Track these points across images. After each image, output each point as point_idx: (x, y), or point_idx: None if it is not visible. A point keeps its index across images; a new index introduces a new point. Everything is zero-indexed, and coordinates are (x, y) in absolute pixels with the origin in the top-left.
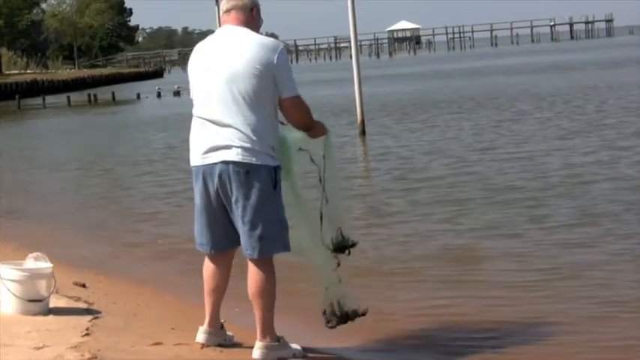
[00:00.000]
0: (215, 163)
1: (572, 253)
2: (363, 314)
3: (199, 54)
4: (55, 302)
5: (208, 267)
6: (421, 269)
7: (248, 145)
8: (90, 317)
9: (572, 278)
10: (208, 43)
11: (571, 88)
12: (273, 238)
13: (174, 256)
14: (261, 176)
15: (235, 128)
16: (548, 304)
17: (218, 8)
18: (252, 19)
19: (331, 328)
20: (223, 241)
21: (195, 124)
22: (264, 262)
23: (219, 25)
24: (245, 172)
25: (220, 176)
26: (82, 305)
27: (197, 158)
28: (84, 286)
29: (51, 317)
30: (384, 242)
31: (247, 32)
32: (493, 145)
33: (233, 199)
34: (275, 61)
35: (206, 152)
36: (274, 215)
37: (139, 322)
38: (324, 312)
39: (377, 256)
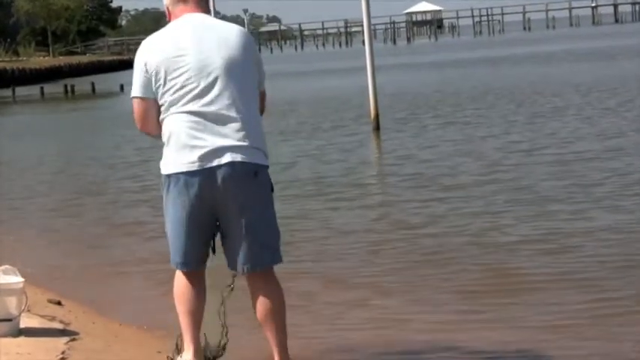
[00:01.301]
0: (219, 166)
1: None
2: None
3: (169, 46)
4: (26, 322)
5: (188, 287)
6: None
7: (254, 143)
8: (66, 339)
9: None
10: (180, 35)
11: (616, 78)
12: (277, 247)
13: (160, 270)
14: (265, 178)
15: (240, 124)
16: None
17: None
18: (208, 7)
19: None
20: (205, 257)
21: (180, 122)
22: (273, 273)
23: (215, 9)
24: (254, 173)
25: (224, 180)
26: (57, 325)
27: (188, 163)
28: (59, 303)
29: (21, 339)
30: (403, 262)
31: (221, 21)
32: (531, 147)
33: (237, 206)
34: (256, 50)
35: (206, 154)
36: (275, 221)
37: (121, 344)
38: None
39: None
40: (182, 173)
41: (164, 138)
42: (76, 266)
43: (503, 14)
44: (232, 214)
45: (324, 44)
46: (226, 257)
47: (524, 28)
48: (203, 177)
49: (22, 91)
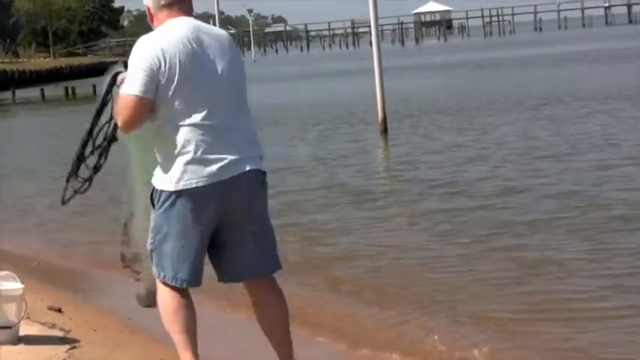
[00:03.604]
0: (237, 176)
1: None
2: None
3: (177, 49)
4: (26, 329)
5: (183, 304)
6: None
7: (259, 152)
8: (66, 347)
9: None
10: (177, 40)
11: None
12: (277, 254)
13: None
14: (267, 185)
15: (247, 134)
16: None
17: None
18: (192, 10)
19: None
20: (202, 271)
21: (192, 135)
22: (276, 281)
23: (219, 11)
24: (262, 182)
25: (241, 190)
26: (57, 333)
27: (207, 176)
28: (60, 310)
29: (21, 347)
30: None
31: (211, 26)
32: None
33: (247, 215)
34: (242, 57)
35: (224, 166)
36: (273, 228)
37: (123, 352)
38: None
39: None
40: (199, 187)
41: (167, 151)
42: (77, 271)
43: (514, 14)
44: (239, 223)
45: (330, 45)
46: (219, 268)
47: (536, 29)
48: (222, 189)
49: (22, 93)
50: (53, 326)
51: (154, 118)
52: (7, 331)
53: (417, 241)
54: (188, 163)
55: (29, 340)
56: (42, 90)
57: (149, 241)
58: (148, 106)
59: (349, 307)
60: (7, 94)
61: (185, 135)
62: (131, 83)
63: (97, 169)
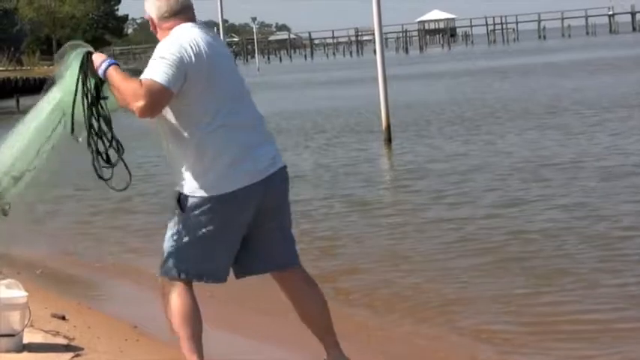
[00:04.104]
0: (274, 173)
1: None
2: None
3: (199, 56)
4: (29, 337)
5: (194, 309)
6: None
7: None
8: (70, 354)
9: None
10: (197, 42)
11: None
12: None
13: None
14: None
15: (265, 130)
16: None
17: None
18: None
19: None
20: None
21: (221, 137)
22: (305, 271)
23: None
24: (287, 176)
25: (277, 185)
26: (61, 341)
27: (249, 176)
28: (63, 318)
29: (25, 354)
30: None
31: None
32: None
33: (278, 209)
34: None
35: (260, 166)
36: None
37: (127, 359)
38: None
39: None
40: (240, 189)
41: (198, 154)
42: (81, 279)
43: (517, 22)
44: (270, 218)
45: (334, 53)
46: (246, 262)
47: (540, 37)
48: (262, 187)
49: (26, 101)
50: (57, 334)
51: (178, 119)
52: (10, 339)
53: (423, 251)
54: (226, 165)
55: (33, 347)
56: None
57: (170, 243)
58: (169, 99)
59: (358, 318)
60: (12, 102)
61: (219, 137)
62: (158, 72)
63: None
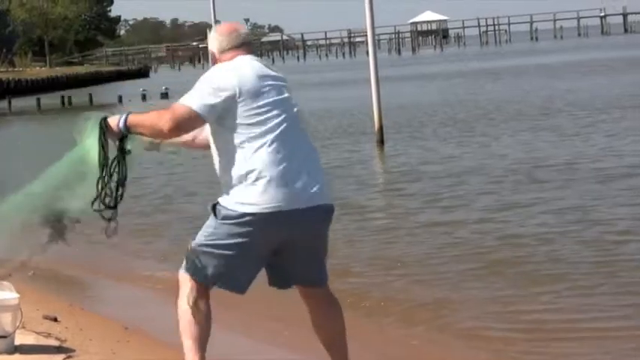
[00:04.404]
0: (310, 207)
1: None
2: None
3: (251, 82)
4: (21, 339)
5: (205, 311)
6: None
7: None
8: (62, 356)
9: None
10: (254, 70)
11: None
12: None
13: (162, 285)
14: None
15: (319, 166)
16: None
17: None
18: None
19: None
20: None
21: (266, 157)
22: (329, 291)
23: (214, 17)
24: (331, 214)
25: (311, 222)
26: (53, 342)
27: (278, 203)
28: (55, 319)
29: (17, 356)
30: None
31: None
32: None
33: (311, 243)
34: None
35: (301, 195)
36: None
37: None
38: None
39: None
40: (274, 212)
41: (241, 171)
42: (74, 280)
43: (510, 24)
44: (300, 247)
45: (327, 54)
46: (273, 275)
47: (532, 38)
48: (297, 217)
49: (18, 102)
50: (49, 335)
51: (223, 136)
52: (2, 341)
53: (415, 254)
54: (266, 186)
55: (25, 349)
56: (38, 99)
57: (200, 238)
58: (198, 126)
59: (352, 320)
60: (4, 104)
61: (262, 157)
62: (196, 99)
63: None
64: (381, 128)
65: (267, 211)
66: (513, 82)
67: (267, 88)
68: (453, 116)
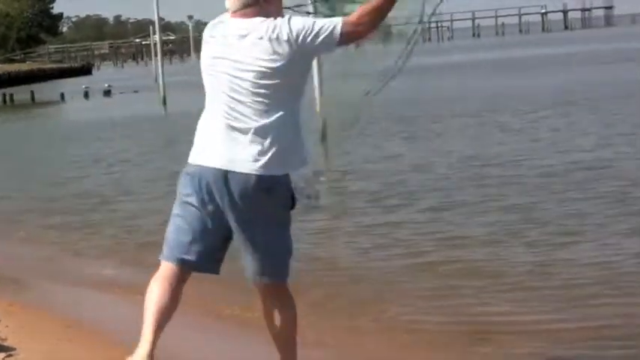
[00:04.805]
0: (238, 173)
1: None
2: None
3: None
4: None
5: (165, 286)
6: None
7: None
8: (2, 355)
9: None
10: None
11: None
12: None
13: (108, 281)
14: (276, 193)
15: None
16: None
17: None
18: None
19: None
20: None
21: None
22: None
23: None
24: (265, 188)
25: (240, 188)
26: None
27: (202, 156)
28: None
29: None
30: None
31: None
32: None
33: (247, 219)
34: None
35: (229, 159)
36: None
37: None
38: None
39: None
40: (197, 165)
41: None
42: (14, 276)
43: (452, 20)
44: (241, 226)
45: None
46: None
47: (474, 35)
48: (223, 178)
49: None
50: None
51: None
52: None
53: (352, 254)
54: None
55: None
56: None
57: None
58: None
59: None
60: None
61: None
62: None
63: None
64: (324, 125)
65: (192, 161)
66: (457, 79)
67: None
68: (398, 113)
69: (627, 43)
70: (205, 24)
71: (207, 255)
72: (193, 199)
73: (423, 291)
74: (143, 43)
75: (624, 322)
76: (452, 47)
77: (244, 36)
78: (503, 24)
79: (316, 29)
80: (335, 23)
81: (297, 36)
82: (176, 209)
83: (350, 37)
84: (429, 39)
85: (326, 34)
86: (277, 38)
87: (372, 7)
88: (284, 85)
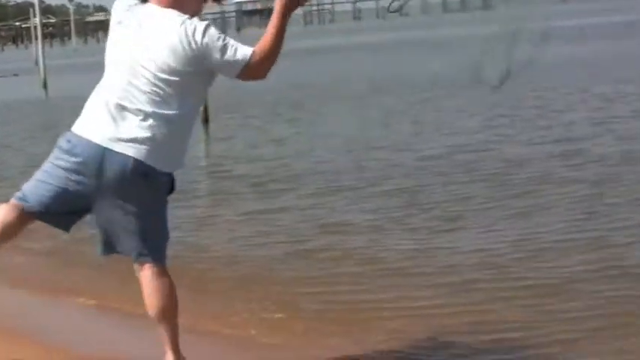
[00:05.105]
0: (116, 152)
1: None
2: None
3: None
4: None
5: (7, 212)
6: None
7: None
8: None
9: None
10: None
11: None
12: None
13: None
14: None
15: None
16: None
17: None
18: None
19: None
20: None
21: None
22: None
23: None
24: (141, 173)
25: (115, 168)
26: None
27: (84, 128)
28: None
29: None
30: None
31: None
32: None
33: (120, 198)
34: None
35: (111, 137)
36: None
37: None
38: None
39: None
40: (78, 135)
41: None
42: None
43: (334, 3)
44: (112, 201)
45: None
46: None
47: (354, 18)
48: (101, 155)
49: None
50: None
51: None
52: None
53: (230, 240)
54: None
55: None
56: None
57: None
58: None
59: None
60: None
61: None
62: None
63: None
64: (205, 108)
65: (75, 131)
66: (340, 60)
67: None
68: (281, 97)
69: None
70: (86, 7)
71: (57, 215)
72: (65, 164)
73: (300, 278)
74: (23, 26)
75: (502, 306)
76: (333, 29)
77: (157, 25)
78: (383, 7)
79: (226, 49)
80: (245, 54)
81: (207, 47)
82: (45, 166)
83: (251, 74)
84: (311, 22)
85: (232, 59)
86: (188, 41)
87: (270, 52)
88: (183, 86)
